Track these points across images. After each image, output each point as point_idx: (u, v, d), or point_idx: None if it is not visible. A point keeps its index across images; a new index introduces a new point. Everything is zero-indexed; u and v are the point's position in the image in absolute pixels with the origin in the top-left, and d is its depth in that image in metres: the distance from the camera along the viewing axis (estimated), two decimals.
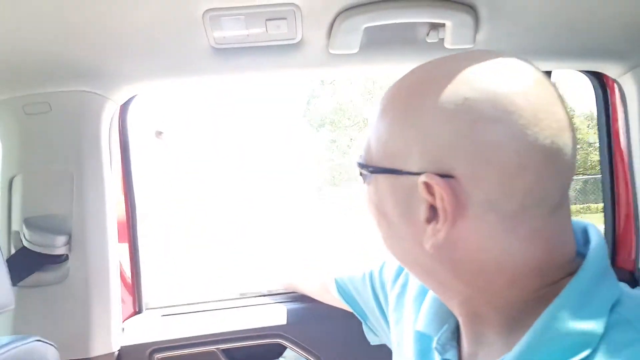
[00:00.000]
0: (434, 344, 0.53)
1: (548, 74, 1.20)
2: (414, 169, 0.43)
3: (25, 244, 0.93)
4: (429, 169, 0.42)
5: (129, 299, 1.20)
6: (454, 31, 0.86)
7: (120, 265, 1.15)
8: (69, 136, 0.95)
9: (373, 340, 0.84)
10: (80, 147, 0.96)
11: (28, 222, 0.94)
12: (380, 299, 0.74)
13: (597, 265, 0.43)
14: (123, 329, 1.08)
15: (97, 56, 0.87)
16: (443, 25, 0.87)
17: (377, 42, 0.91)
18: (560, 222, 0.43)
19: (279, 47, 0.89)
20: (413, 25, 0.88)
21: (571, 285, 0.41)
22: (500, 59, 0.44)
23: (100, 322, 0.98)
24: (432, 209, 0.43)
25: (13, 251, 0.95)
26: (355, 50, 0.89)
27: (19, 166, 0.94)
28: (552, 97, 0.42)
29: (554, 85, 0.44)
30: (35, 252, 0.93)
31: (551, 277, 0.43)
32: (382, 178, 0.47)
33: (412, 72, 0.48)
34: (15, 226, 0.95)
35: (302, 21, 0.82)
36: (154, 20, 0.79)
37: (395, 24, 0.84)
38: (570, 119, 0.43)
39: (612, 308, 0.41)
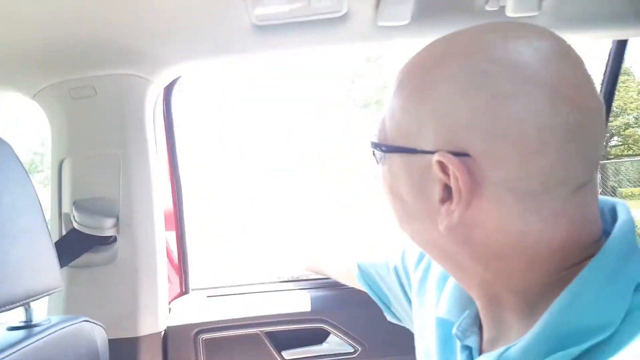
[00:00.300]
0: (454, 330, 0.51)
1: (623, 43, 1.08)
2: (429, 148, 0.41)
3: (76, 225, 0.95)
4: (443, 147, 0.40)
5: (176, 280, 1.21)
6: None
7: (168, 246, 1.17)
8: (114, 119, 0.95)
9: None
10: (125, 130, 0.96)
11: (77, 205, 0.95)
12: (404, 283, 0.73)
13: (621, 243, 0.40)
14: (170, 310, 1.09)
15: (140, 39, 0.86)
16: None
17: (429, 12, 0.83)
18: (585, 202, 0.40)
19: (322, 21, 0.84)
20: None
21: (591, 266, 0.39)
22: (522, 28, 0.41)
23: (148, 303, 0.99)
24: (447, 189, 0.41)
25: (64, 232, 0.97)
26: (406, 22, 0.83)
27: (68, 150, 0.96)
28: (576, 70, 0.39)
29: (578, 57, 0.40)
30: (85, 234, 0.94)
31: (573, 259, 0.40)
32: (396, 157, 0.45)
33: (429, 46, 0.45)
34: (65, 208, 0.97)
35: None
36: (194, 0, 0.76)
37: None
38: (596, 93, 0.40)
39: (637, 287, 0.38)
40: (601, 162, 1.27)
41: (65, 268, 0.95)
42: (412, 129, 0.43)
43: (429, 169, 0.41)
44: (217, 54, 0.92)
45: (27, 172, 0.64)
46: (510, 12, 0.81)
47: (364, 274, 0.85)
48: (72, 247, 0.95)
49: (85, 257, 0.96)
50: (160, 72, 0.96)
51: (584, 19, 0.88)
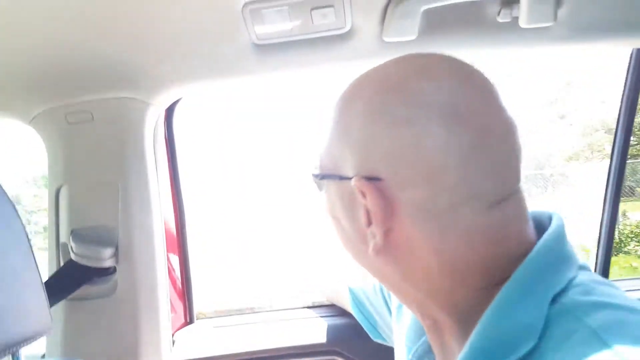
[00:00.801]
0: (410, 357, 0.53)
1: None
2: (349, 174, 0.44)
3: (73, 257, 0.91)
4: (359, 173, 0.43)
5: (180, 308, 1.17)
6: (530, 7, 0.74)
7: (171, 273, 1.13)
8: (112, 144, 0.92)
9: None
10: (124, 155, 0.92)
11: (75, 234, 0.91)
12: (388, 302, 0.74)
13: (544, 255, 0.40)
14: (174, 342, 1.05)
15: (137, 61, 0.83)
16: (517, 1, 0.75)
17: (438, 26, 0.79)
18: (504, 218, 0.41)
19: (326, 38, 0.80)
20: (480, 3, 0.77)
21: (511, 281, 0.39)
22: (425, 58, 0.44)
23: (150, 336, 0.95)
24: (367, 212, 0.43)
25: (62, 263, 0.94)
26: (413, 37, 0.79)
27: (65, 176, 0.92)
28: (476, 94, 0.41)
29: (484, 81, 0.43)
30: (83, 265, 0.90)
31: (500, 274, 0.41)
32: (330, 184, 0.48)
33: (354, 80, 0.48)
34: (63, 238, 0.93)
35: (351, 7, 0.73)
36: (191, 19, 0.73)
37: (458, 3, 0.73)
38: (503, 114, 0.41)
39: (555, 298, 0.38)
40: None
41: (63, 301, 0.91)
42: (337, 157, 0.46)
43: (353, 194, 0.43)
44: (217, 74, 0.89)
45: (14, 207, 0.60)
46: (524, 23, 0.77)
47: (354, 297, 0.86)
48: (69, 279, 0.91)
49: (84, 289, 0.92)
50: (159, 95, 0.92)
51: (602, 27, 0.84)
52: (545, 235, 0.42)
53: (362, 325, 0.84)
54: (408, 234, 0.42)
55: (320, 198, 0.52)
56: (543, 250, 0.41)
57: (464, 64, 0.44)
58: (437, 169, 0.39)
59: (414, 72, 0.42)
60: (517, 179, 0.42)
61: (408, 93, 0.40)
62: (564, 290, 0.39)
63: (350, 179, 0.43)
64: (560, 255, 0.42)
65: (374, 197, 0.41)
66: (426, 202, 0.40)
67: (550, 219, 0.45)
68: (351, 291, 0.87)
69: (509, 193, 0.41)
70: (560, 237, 0.43)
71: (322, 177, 0.49)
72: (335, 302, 1.05)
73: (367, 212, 0.43)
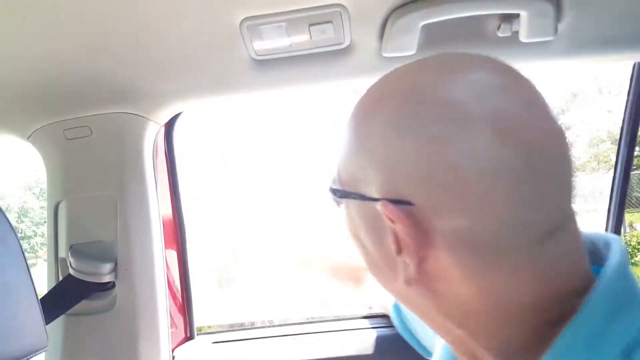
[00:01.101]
0: None
1: None
2: (374, 195, 0.38)
3: (72, 272, 0.90)
4: (386, 195, 0.37)
5: (181, 323, 1.16)
6: (530, 22, 0.73)
7: (172, 288, 1.12)
8: (111, 160, 0.92)
9: None
10: (122, 170, 0.92)
11: (74, 250, 0.91)
12: None
13: (608, 296, 0.34)
14: (173, 357, 1.03)
15: (136, 77, 0.83)
16: (517, 15, 0.74)
17: (437, 41, 0.79)
18: (558, 249, 0.35)
19: (325, 54, 0.80)
20: (480, 18, 0.76)
21: (572, 327, 0.34)
22: (460, 60, 0.38)
23: (149, 352, 0.94)
24: (397, 239, 0.37)
25: (60, 278, 0.93)
26: (412, 52, 0.78)
27: (63, 192, 0.92)
28: (523, 104, 0.34)
29: (530, 88, 0.36)
30: (82, 280, 0.90)
31: (555, 313, 0.35)
32: (351, 203, 0.43)
33: (371, 87, 0.43)
34: (62, 253, 0.93)
35: (349, 23, 0.73)
36: (189, 36, 0.73)
37: (458, 18, 0.73)
38: (554, 127, 0.35)
39: (627, 353, 0.33)
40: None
41: (61, 317, 0.91)
42: (358, 175, 0.40)
43: (380, 217, 0.38)
44: (216, 90, 0.89)
45: (10, 224, 0.60)
46: (524, 38, 0.76)
47: (399, 316, 0.80)
48: (68, 294, 0.90)
49: (83, 304, 0.91)
50: (158, 110, 0.92)
51: (604, 41, 0.83)
52: (608, 271, 0.36)
53: (411, 344, 0.77)
54: (445, 266, 0.36)
55: (340, 215, 0.46)
56: (606, 290, 0.35)
57: (506, 67, 0.37)
58: (479, 195, 0.33)
59: (449, 81, 0.36)
60: (570, 202, 0.36)
61: (442, 104, 0.34)
62: (637, 343, 0.33)
63: (375, 200, 0.38)
64: (627, 295, 0.35)
65: (405, 225, 0.35)
66: (466, 233, 0.34)
67: (606, 244, 0.39)
68: (395, 308, 0.80)
69: (563, 220, 0.35)
70: (624, 272, 0.36)
71: (341, 194, 0.43)
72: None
73: (397, 239, 0.37)
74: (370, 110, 0.40)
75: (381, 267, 0.42)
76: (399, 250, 0.37)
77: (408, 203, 0.35)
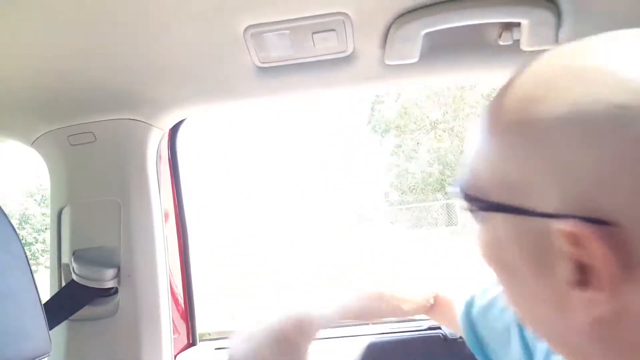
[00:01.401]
0: None
1: None
2: (549, 209, 0.29)
3: (75, 277, 0.91)
4: (571, 211, 0.28)
5: (183, 329, 1.16)
6: (531, 30, 0.74)
7: (174, 294, 1.12)
8: (115, 166, 0.93)
9: None
10: (126, 176, 0.93)
11: (77, 255, 0.92)
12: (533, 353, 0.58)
13: None
14: None
15: (139, 84, 0.84)
16: (518, 24, 0.75)
17: (439, 49, 0.80)
18: None
19: (328, 61, 0.81)
20: (481, 26, 0.77)
21: None
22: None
23: (152, 359, 0.94)
24: (581, 268, 0.29)
25: (63, 284, 0.94)
26: (415, 60, 0.79)
27: (67, 198, 0.93)
28: None
29: None
30: (85, 286, 0.90)
31: None
32: (500, 218, 0.34)
33: (524, 70, 0.34)
34: (65, 259, 0.93)
35: (352, 31, 0.74)
36: (193, 43, 0.74)
37: (459, 26, 0.73)
38: None
39: None
40: None
41: (65, 322, 0.91)
42: (520, 183, 0.31)
43: (549, 238, 0.30)
44: (219, 97, 0.89)
45: (14, 228, 0.60)
46: (525, 46, 0.77)
47: (468, 311, 0.67)
48: (71, 300, 0.91)
49: (86, 310, 0.92)
50: (161, 116, 0.93)
51: None
52: None
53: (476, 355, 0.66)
54: None
55: (478, 233, 0.37)
56: None
57: None
58: None
59: None
60: None
61: None
62: None
63: (550, 216, 0.29)
64: None
65: (605, 251, 0.27)
66: None
67: None
68: (467, 320, 0.67)
69: None
70: None
71: (490, 207, 0.34)
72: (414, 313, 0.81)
73: (578, 268, 0.29)
74: (538, 99, 0.31)
75: (538, 301, 0.33)
76: (582, 283, 0.29)
77: (609, 224, 0.27)
